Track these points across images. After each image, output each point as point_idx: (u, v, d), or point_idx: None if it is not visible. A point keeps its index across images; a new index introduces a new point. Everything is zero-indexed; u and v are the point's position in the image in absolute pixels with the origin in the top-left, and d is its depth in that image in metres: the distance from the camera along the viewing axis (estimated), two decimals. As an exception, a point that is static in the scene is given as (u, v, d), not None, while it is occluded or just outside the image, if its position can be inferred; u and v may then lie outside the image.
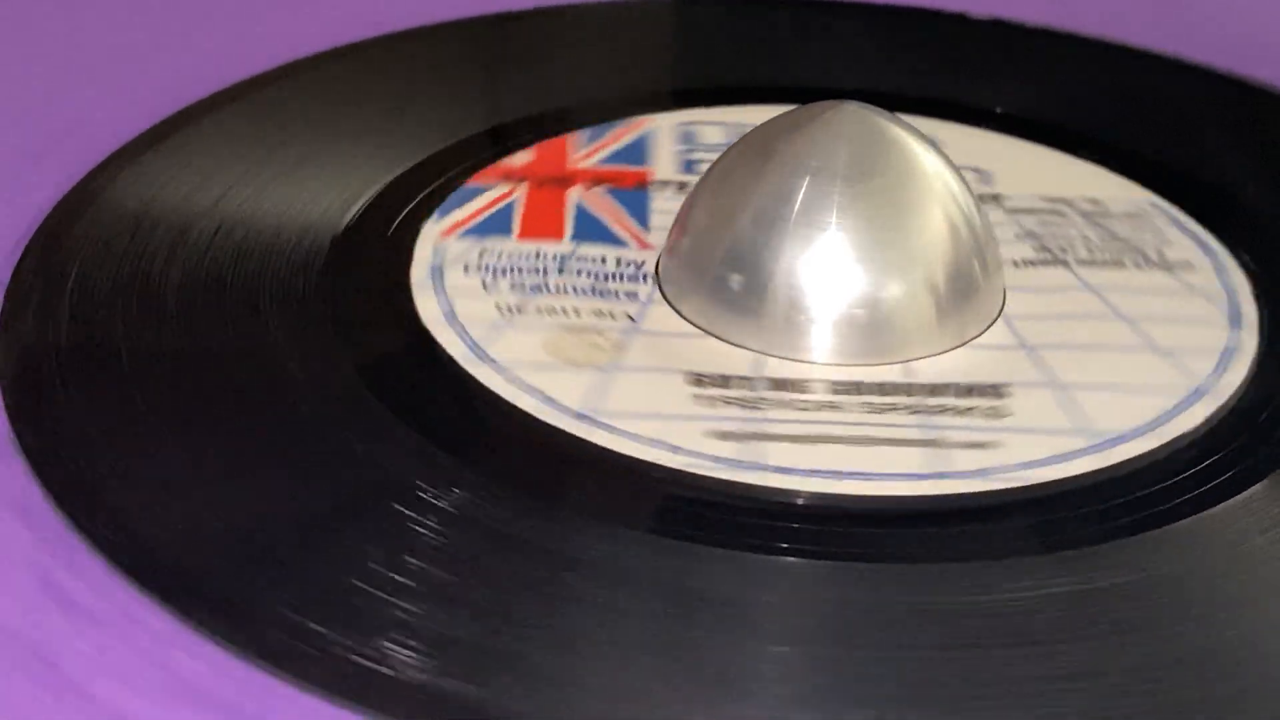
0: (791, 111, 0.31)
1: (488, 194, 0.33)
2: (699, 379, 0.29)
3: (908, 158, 0.30)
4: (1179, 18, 0.44)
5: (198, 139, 0.35)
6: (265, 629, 0.24)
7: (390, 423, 0.27)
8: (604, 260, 0.32)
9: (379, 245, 0.32)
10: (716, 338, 0.30)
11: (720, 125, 0.36)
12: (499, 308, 0.30)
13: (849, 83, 0.37)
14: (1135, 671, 0.24)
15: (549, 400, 0.28)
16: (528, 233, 0.32)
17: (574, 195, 0.33)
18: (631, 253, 0.32)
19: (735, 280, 0.30)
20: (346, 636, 0.24)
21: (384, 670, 0.23)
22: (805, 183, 0.30)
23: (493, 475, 0.27)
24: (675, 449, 0.27)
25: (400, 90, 0.38)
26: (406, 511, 0.26)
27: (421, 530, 0.25)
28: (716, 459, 0.27)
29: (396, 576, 0.25)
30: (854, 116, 0.31)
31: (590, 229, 0.33)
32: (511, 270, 0.31)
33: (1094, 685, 0.24)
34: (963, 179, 0.31)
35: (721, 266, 0.30)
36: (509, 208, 0.33)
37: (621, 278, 0.31)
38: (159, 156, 0.34)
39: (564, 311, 0.30)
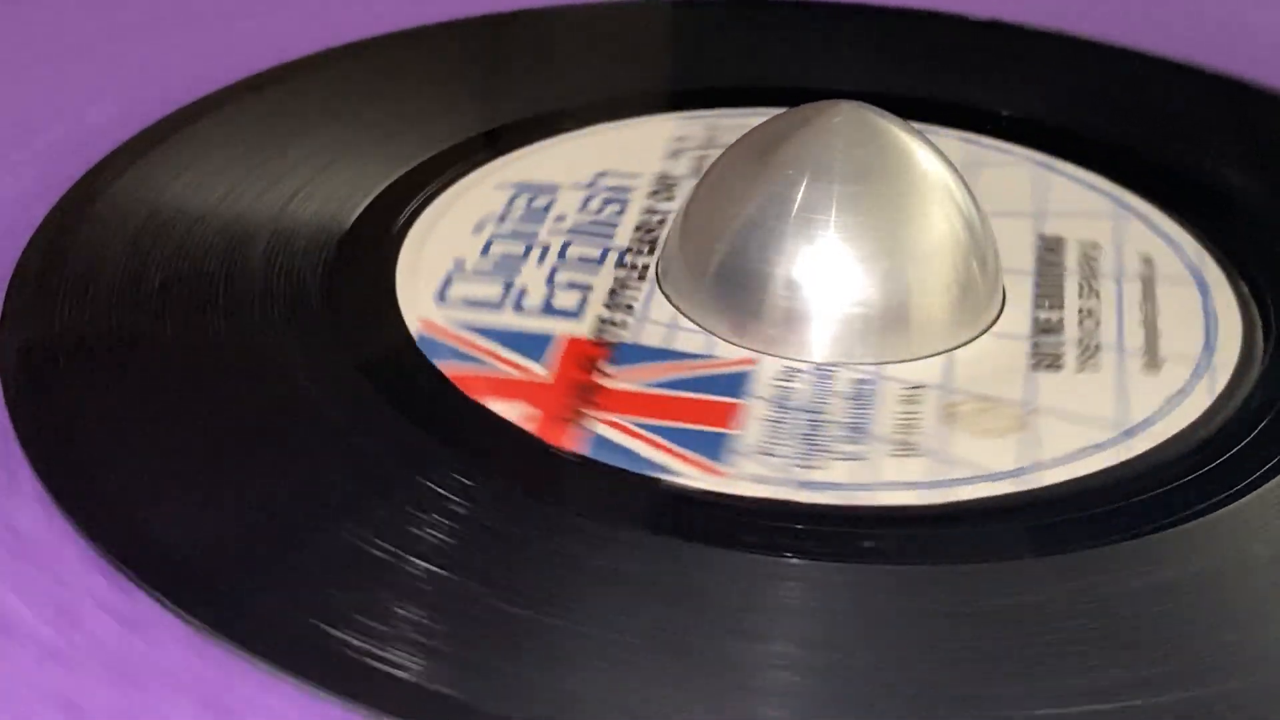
0: (790, 112, 0.31)
1: (612, 437, 0.28)
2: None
3: (906, 158, 0.30)
4: (1179, 19, 0.44)
5: (198, 139, 0.35)
6: (264, 626, 0.24)
7: (392, 422, 0.27)
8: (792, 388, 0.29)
9: (381, 246, 0.32)
10: (716, 337, 0.30)
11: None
12: None
13: (848, 83, 0.37)
14: (1134, 675, 0.24)
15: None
16: (725, 421, 0.28)
17: (624, 386, 0.29)
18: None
19: (733, 281, 0.30)
20: (346, 635, 0.24)
21: (384, 669, 0.23)
22: (804, 183, 0.30)
23: (495, 475, 0.27)
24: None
25: (400, 90, 0.38)
26: (407, 511, 0.26)
27: (422, 530, 0.25)
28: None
29: (397, 576, 0.25)
30: (852, 117, 0.31)
31: (715, 385, 0.29)
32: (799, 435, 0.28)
33: (1093, 686, 0.24)
34: (961, 179, 0.31)
35: (720, 267, 0.30)
36: (663, 428, 0.28)
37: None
38: (159, 156, 0.34)
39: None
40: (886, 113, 0.31)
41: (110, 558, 0.25)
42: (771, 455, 0.27)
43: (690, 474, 0.27)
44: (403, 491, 0.26)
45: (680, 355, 0.30)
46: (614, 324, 0.30)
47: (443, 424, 0.28)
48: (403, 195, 0.34)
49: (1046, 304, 0.31)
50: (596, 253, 0.32)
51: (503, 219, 0.33)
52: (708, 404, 0.29)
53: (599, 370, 0.29)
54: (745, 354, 0.30)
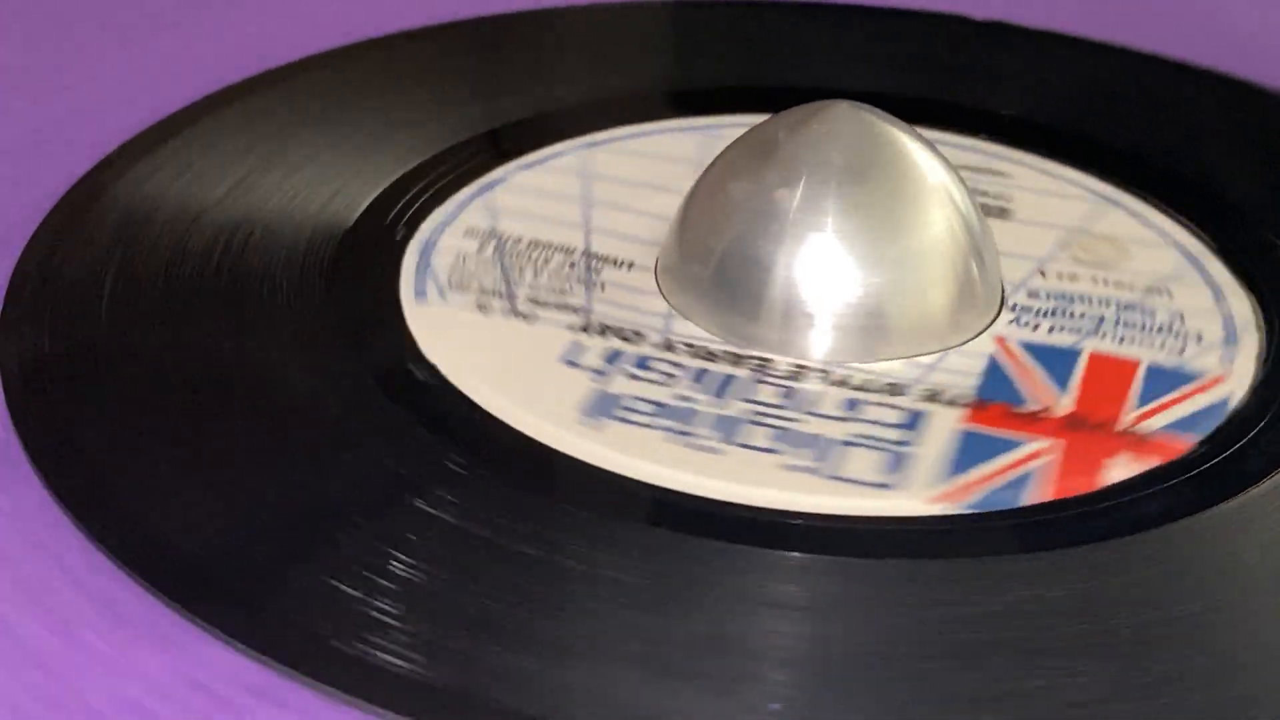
0: (789, 112, 0.31)
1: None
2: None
3: (904, 158, 0.30)
4: (1178, 19, 0.44)
5: (198, 139, 0.35)
6: (268, 627, 0.24)
7: (392, 423, 0.27)
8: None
9: (380, 246, 0.32)
10: (718, 339, 0.30)
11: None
12: None
13: (847, 84, 0.37)
14: (1134, 674, 0.24)
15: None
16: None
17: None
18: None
19: (733, 281, 0.30)
20: (348, 635, 0.24)
21: (386, 669, 0.23)
22: (802, 184, 0.30)
23: (494, 477, 0.27)
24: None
25: (400, 91, 0.38)
26: (408, 513, 0.26)
27: (423, 532, 0.25)
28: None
29: (399, 577, 0.25)
30: (851, 117, 0.31)
31: None
32: None
33: (1092, 687, 0.24)
34: (959, 179, 0.31)
35: (719, 267, 0.30)
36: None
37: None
38: (159, 156, 0.34)
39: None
40: (885, 113, 0.31)
41: (116, 561, 0.25)
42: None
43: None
44: (405, 492, 0.26)
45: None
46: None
47: (444, 425, 0.28)
48: (403, 195, 0.34)
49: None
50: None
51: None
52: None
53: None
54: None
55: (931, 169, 0.31)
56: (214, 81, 0.37)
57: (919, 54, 0.41)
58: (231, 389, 0.28)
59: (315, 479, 0.27)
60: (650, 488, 0.27)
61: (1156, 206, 0.35)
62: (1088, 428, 0.29)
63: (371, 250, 0.32)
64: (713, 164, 0.32)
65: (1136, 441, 0.28)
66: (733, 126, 0.33)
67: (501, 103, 0.37)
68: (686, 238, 0.31)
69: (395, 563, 0.25)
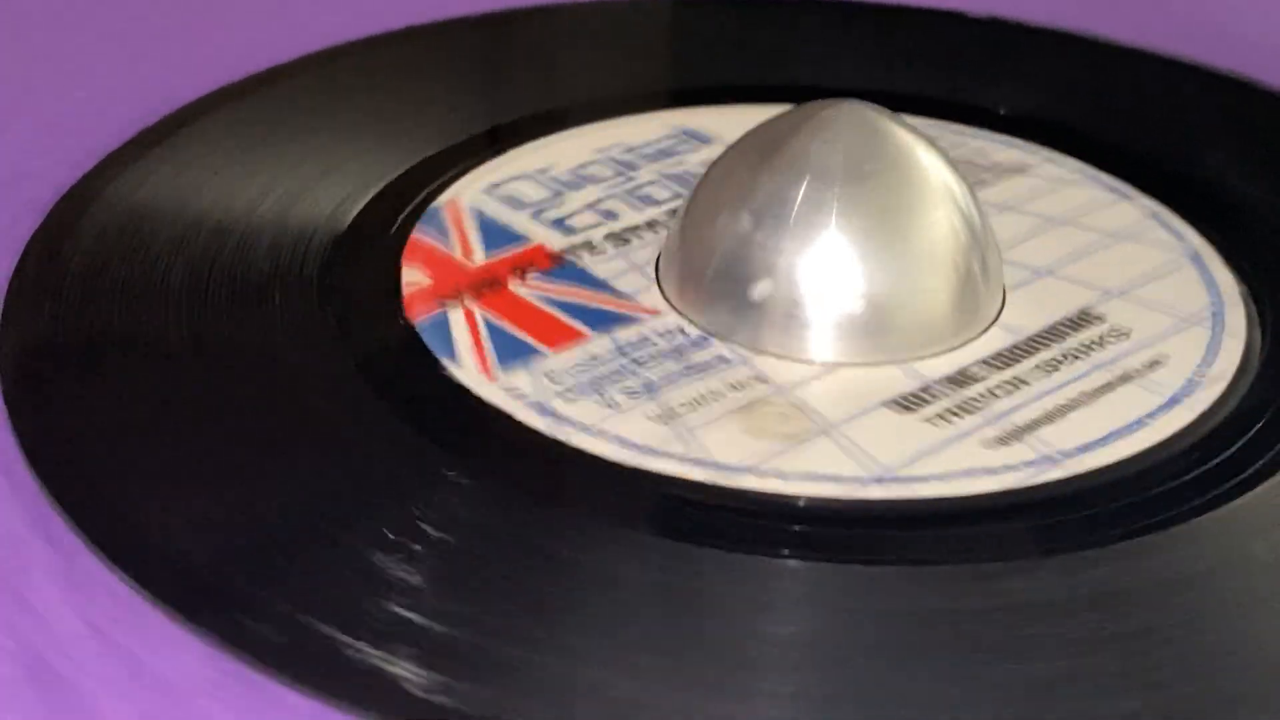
0: (791, 111, 0.31)
1: (453, 324, 0.30)
2: (902, 404, 0.29)
3: (907, 156, 0.30)
4: (1175, 18, 0.44)
5: (198, 139, 0.35)
6: (263, 628, 0.24)
7: (391, 423, 0.27)
8: (648, 340, 0.30)
9: (380, 245, 0.32)
10: (717, 338, 0.30)
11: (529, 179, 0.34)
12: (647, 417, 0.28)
13: (848, 82, 0.37)
14: (1137, 674, 0.24)
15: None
16: (554, 342, 0.30)
17: (524, 292, 0.31)
18: (655, 322, 0.30)
19: (733, 280, 0.30)
20: (345, 637, 0.24)
21: (384, 672, 0.23)
22: (805, 182, 0.30)
23: (494, 477, 0.27)
24: (989, 471, 0.27)
25: (400, 90, 0.38)
26: (407, 513, 0.26)
27: (422, 532, 0.25)
28: (1032, 463, 0.27)
29: (398, 577, 0.25)
30: (853, 116, 0.31)
31: (594, 317, 0.30)
32: (601, 380, 0.29)
33: (1095, 687, 0.24)
34: (962, 177, 0.31)
35: (720, 267, 0.30)
36: (499, 329, 0.30)
37: (688, 348, 0.30)
38: (159, 156, 0.34)
39: (707, 398, 0.28)
40: (887, 111, 0.31)
41: (110, 561, 0.25)
42: (551, 380, 0.28)
43: (466, 367, 0.28)
44: (403, 492, 0.26)
45: (597, 285, 0.31)
46: (588, 248, 0.32)
47: (443, 426, 0.28)
48: (403, 195, 0.34)
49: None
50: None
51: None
52: (559, 325, 0.30)
53: (520, 274, 0.31)
54: (659, 306, 0.31)
55: (933, 167, 0.31)
56: (213, 81, 0.37)
57: (919, 52, 0.41)
58: (231, 389, 0.28)
59: (314, 480, 0.27)
60: (653, 481, 0.27)
61: (1156, 205, 0.35)
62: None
63: (370, 250, 0.32)
64: (714, 164, 0.32)
65: None
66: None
67: (502, 102, 0.37)
68: (687, 237, 0.31)
69: (396, 565, 0.25)
